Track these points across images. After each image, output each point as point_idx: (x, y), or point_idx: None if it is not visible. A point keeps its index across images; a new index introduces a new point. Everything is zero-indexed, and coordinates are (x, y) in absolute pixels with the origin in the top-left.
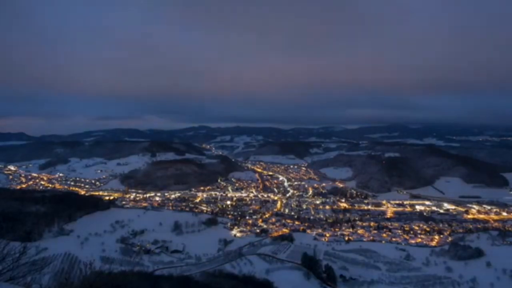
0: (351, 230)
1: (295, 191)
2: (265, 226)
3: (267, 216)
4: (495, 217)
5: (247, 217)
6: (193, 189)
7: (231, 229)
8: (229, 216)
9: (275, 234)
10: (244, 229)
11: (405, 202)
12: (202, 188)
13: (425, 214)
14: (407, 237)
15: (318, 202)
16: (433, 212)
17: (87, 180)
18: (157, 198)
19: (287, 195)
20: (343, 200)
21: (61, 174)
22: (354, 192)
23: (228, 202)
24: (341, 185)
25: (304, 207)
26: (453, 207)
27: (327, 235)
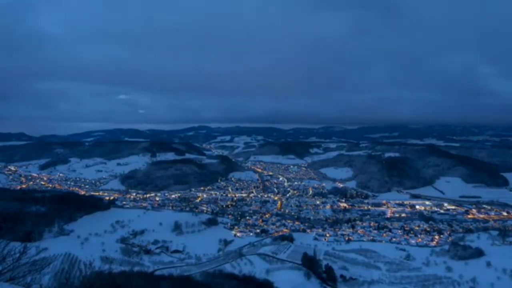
0: (351, 230)
1: (295, 191)
2: (265, 226)
3: (267, 216)
4: (495, 217)
5: (247, 217)
6: (193, 189)
7: (231, 229)
8: (229, 216)
9: (275, 234)
10: (244, 229)
11: (405, 202)
12: (202, 188)
13: (425, 214)
14: (407, 237)
15: (318, 202)
16: (433, 212)
17: (87, 180)
18: (157, 198)
19: (287, 195)
20: (343, 200)
21: (61, 174)
22: (354, 192)
23: (228, 202)
24: (341, 185)
25: (304, 207)
26: (453, 207)
27: (327, 235)
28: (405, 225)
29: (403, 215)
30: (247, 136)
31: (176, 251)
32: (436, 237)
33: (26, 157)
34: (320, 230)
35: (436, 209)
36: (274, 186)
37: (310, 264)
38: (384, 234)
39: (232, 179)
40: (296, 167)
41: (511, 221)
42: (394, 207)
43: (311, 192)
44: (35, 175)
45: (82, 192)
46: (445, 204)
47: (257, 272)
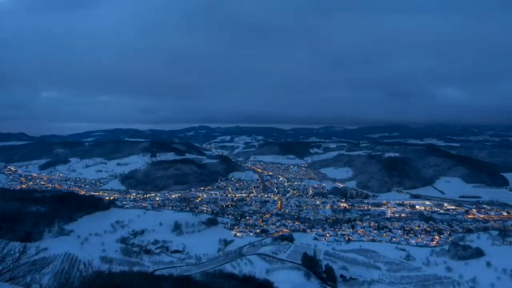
0: (351, 230)
1: (295, 191)
2: (265, 226)
3: (267, 216)
4: (495, 217)
5: (247, 217)
6: (193, 189)
7: (231, 229)
8: (229, 216)
9: (275, 234)
10: (244, 229)
11: (405, 202)
12: (202, 188)
13: (425, 214)
14: (407, 237)
15: (318, 202)
16: (433, 212)
17: (87, 180)
18: (157, 198)
19: (287, 195)
20: (343, 200)
21: (61, 174)
22: (354, 192)
23: (228, 202)
24: (341, 185)
25: (304, 207)
26: (453, 207)
27: (327, 235)
28: (405, 225)
29: (403, 215)
30: (247, 136)
31: (176, 251)
32: (436, 237)
33: (26, 157)
34: (320, 230)
35: (436, 209)
36: (274, 186)
37: (310, 264)
38: (384, 234)
39: (232, 179)
40: (296, 167)
41: (511, 221)
42: (394, 207)
43: (311, 192)
44: (35, 175)
45: (82, 192)
46: (445, 204)
47: (257, 272)
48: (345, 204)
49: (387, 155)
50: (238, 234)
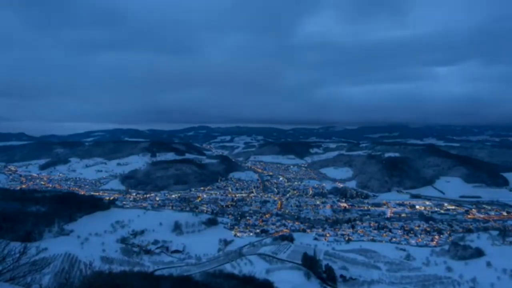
0: (351, 230)
1: (295, 191)
2: (265, 226)
3: (267, 216)
4: (495, 217)
5: (247, 217)
6: (193, 189)
7: (231, 229)
8: (229, 216)
9: (275, 234)
10: (244, 229)
11: (405, 202)
12: (202, 188)
13: (425, 214)
14: (407, 237)
15: (318, 202)
16: (433, 212)
17: (87, 180)
18: (157, 198)
19: (287, 195)
20: (343, 200)
21: (61, 174)
22: (354, 192)
23: (228, 202)
24: (341, 185)
25: (304, 207)
26: (453, 207)
27: (327, 235)
28: (405, 225)
29: (403, 215)
30: (247, 136)
31: (176, 251)
32: (436, 237)
33: (26, 157)
34: (320, 230)
35: (436, 209)
36: (274, 186)
37: (310, 264)
38: (384, 234)
39: (232, 179)
40: (296, 167)
41: (511, 221)
42: (394, 207)
43: (311, 192)
44: (35, 175)
45: (82, 192)
46: (445, 204)
47: (257, 272)
48: (345, 204)
49: (387, 155)
50: (238, 234)
